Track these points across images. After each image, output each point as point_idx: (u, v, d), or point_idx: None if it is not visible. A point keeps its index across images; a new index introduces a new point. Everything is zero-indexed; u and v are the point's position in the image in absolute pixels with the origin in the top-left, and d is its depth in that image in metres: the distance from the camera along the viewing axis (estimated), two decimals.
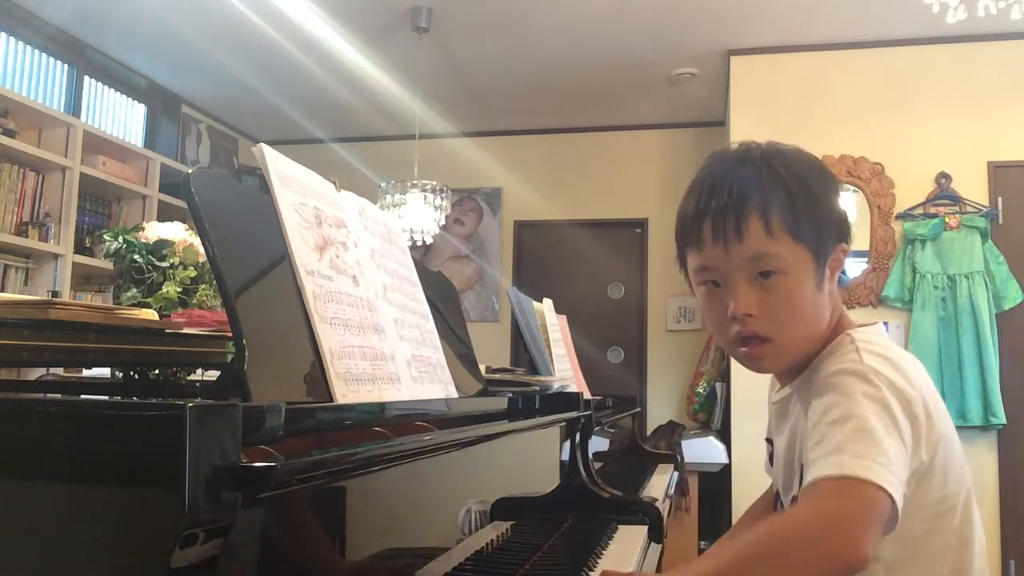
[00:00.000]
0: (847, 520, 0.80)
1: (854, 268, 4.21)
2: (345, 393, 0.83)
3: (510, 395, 1.45)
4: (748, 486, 4.07)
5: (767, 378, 1.14)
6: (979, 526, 0.99)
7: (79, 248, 4.10)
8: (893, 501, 0.81)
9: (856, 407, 0.88)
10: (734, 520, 4.09)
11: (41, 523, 0.54)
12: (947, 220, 4.07)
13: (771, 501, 1.15)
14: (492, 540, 1.17)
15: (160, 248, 1.39)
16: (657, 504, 1.63)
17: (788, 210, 0.96)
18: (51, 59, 4.41)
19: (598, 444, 2.08)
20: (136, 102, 5.10)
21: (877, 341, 0.98)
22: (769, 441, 1.15)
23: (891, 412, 0.88)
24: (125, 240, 1.39)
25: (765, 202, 0.95)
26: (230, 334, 0.77)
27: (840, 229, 1.01)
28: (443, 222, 4.25)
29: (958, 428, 3.83)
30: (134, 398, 0.84)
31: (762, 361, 1.00)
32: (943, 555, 0.95)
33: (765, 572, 0.81)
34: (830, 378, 0.93)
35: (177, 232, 1.43)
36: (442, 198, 4.17)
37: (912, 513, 0.91)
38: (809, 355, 1.02)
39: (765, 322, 0.97)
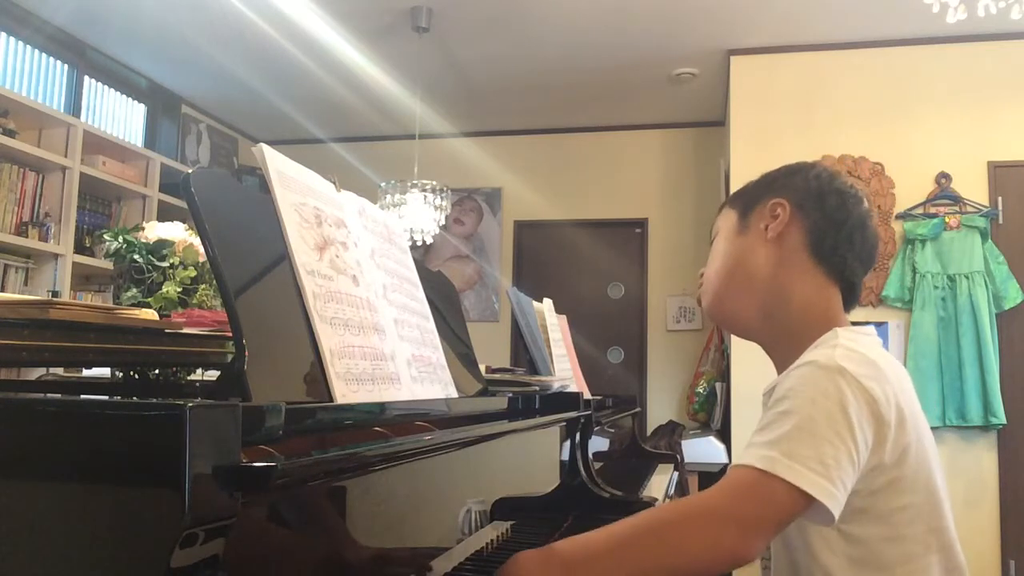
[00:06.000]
0: (748, 524, 0.83)
1: None
2: (345, 393, 0.83)
3: (510, 395, 1.45)
4: None
5: (766, 378, 1.13)
6: (956, 545, 0.99)
7: (79, 248, 4.10)
8: (814, 503, 0.84)
9: (807, 405, 0.89)
10: None
11: (41, 523, 0.54)
12: (947, 220, 4.07)
13: None
14: (492, 540, 1.17)
15: (160, 248, 1.39)
16: (657, 504, 1.63)
17: (739, 194, 1.16)
18: (51, 59, 4.41)
19: (598, 444, 2.08)
20: (136, 102, 5.10)
21: (862, 341, 0.99)
22: None
23: (847, 414, 0.88)
24: (125, 240, 1.39)
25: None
26: (230, 334, 0.77)
27: (780, 190, 1.10)
28: (443, 222, 4.25)
29: (958, 428, 3.80)
30: (134, 398, 0.84)
31: (707, 314, 1.21)
32: (905, 562, 0.95)
33: (649, 542, 0.84)
34: (799, 367, 0.95)
35: (177, 232, 1.43)
36: (442, 198, 4.17)
37: (875, 517, 0.92)
38: (768, 330, 1.11)
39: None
